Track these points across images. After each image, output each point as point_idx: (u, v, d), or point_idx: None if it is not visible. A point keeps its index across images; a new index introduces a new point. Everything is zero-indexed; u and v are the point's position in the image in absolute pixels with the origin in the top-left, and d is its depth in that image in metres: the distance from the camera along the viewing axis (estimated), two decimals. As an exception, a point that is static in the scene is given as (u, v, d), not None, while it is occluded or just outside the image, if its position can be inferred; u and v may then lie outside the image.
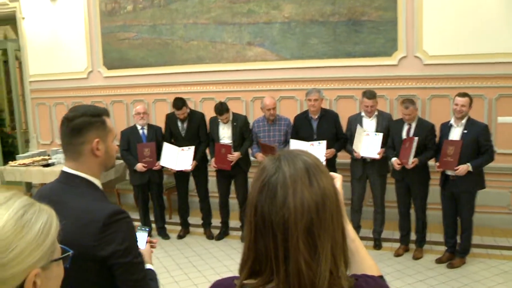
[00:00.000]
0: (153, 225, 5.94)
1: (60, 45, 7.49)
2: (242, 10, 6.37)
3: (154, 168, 5.63)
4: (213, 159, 5.58)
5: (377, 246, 5.28)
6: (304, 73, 6.22)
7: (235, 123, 5.55)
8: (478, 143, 4.54)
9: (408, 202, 5.05)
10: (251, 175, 5.82)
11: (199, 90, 6.84)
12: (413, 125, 4.87)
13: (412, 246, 5.11)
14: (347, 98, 6.11)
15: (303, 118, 5.39)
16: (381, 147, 4.99)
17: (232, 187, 5.81)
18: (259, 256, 0.98)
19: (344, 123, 5.42)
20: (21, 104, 8.49)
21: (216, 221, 5.95)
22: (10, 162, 7.13)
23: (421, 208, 4.97)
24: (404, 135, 4.89)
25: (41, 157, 7.22)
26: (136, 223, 2.08)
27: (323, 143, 5.13)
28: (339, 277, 0.97)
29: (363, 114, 5.20)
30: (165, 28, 6.87)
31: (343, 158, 5.43)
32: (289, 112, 6.03)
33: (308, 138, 5.23)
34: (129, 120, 7.19)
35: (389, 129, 5.07)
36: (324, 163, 5.03)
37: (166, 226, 6.05)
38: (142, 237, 1.94)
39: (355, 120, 5.24)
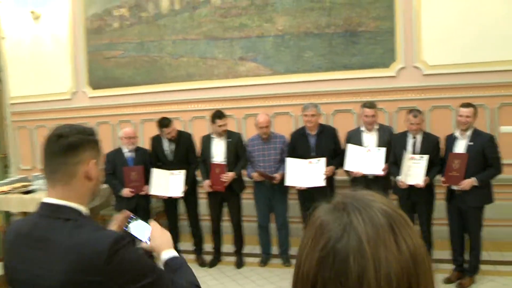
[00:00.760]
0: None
1: (43, 65, 7.20)
2: (233, 24, 6.17)
3: (141, 193, 5.28)
4: (206, 181, 5.24)
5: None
6: (299, 88, 6.00)
7: (229, 139, 5.26)
8: (485, 155, 4.31)
9: (412, 221, 4.76)
10: (245, 198, 5.51)
11: (189, 109, 6.57)
12: (419, 138, 4.62)
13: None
14: (344, 112, 5.89)
15: (300, 134, 5.12)
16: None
17: (225, 209, 5.48)
18: None
19: (342, 138, 5.16)
20: (1, 127, 8.10)
21: (208, 246, 5.59)
22: (-12, 189, 6.71)
23: (427, 227, 4.68)
24: (410, 149, 4.63)
25: (21, 184, 6.79)
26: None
27: (322, 160, 4.85)
28: None
29: (362, 128, 4.95)
30: (153, 45, 6.63)
31: (342, 175, 5.15)
32: (284, 129, 5.78)
33: (306, 155, 4.95)
34: (115, 142, 6.84)
35: (390, 143, 4.83)
36: (324, 182, 4.83)
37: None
38: (139, 228, 1.70)
39: (355, 135, 4.98)
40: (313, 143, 5.01)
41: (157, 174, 5.30)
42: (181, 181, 5.25)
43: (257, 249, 5.55)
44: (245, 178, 5.42)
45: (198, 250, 5.59)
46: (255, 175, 5.12)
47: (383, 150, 4.73)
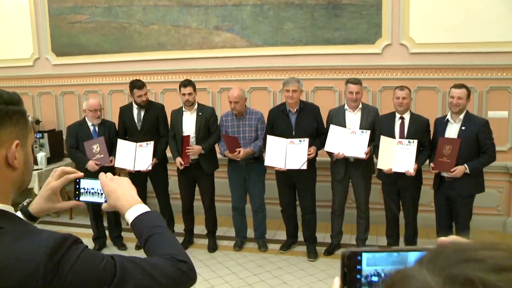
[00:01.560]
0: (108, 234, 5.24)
1: (2, 28, 6.62)
2: (209, -9, 5.71)
3: (108, 165, 4.87)
4: (178, 158, 4.88)
5: (362, 255, 4.74)
6: (278, 62, 5.64)
7: (200, 113, 4.89)
8: (478, 141, 4.04)
9: (397, 208, 4.52)
10: (218, 177, 5.19)
11: (160, 80, 6.15)
12: (406, 118, 4.33)
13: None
14: (325, 90, 5.57)
15: (279, 111, 4.76)
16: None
17: (198, 188, 5.16)
18: None
19: (323, 117, 4.83)
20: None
21: (179, 226, 5.29)
22: None
23: (412, 214, 4.45)
24: (397, 132, 4.34)
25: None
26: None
27: (306, 141, 4.51)
28: None
29: (346, 107, 4.63)
30: (122, 11, 6.13)
31: (323, 156, 4.85)
32: (261, 105, 5.45)
33: (286, 134, 4.61)
34: (81, 114, 6.41)
35: (374, 125, 4.52)
36: (306, 165, 4.52)
37: (124, 234, 5.34)
38: (91, 189, 1.38)
39: (337, 115, 4.67)
40: (294, 121, 4.68)
41: (123, 145, 4.94)
42: (149, 153, 4.89)
43: (231, 231, 5.30)
44: (219, 156, 5.10)
45: (168, 232, 5.28)
46: (228, 153, 4.79)
47: (367, 133, 4.42)
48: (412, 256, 0.70)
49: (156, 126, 5.06)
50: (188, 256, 1.16)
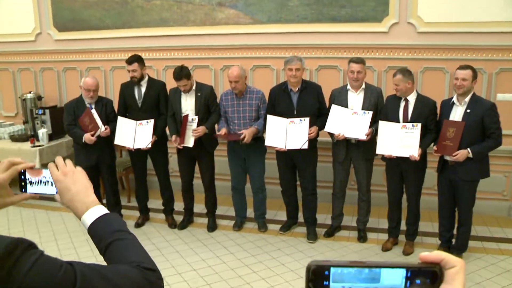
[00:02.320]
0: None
1: (3, 3, 6.52)
2: (212, -35, 5.55)
3: (103, 133, 4.77)
4: (173, 136, 4.80)
5: (362, 238, 4.68)
6: (281, 39, 5.50)
7: (199, 94, 4.78)
8: (483, 125, 3.89)
9: (400, 191, 4.42)
10: (218, 155, 5.11)
11: (162, 57, 6.05)
12: (411, 100, 4.17)
13: (402, 238, 4.52)
14: (330, 69, 5.43)
15: (281, 90, 4.63)
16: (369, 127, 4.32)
17: (197, 168, 5.09)
18: None
19: (326, 97, 4.70)
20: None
21: (179, 205, 5.25)
22: None
23: (415, 198, 4.33)
24: (401, 114, 4.21)
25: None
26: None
27: (306, 120, 4.41)
28: None
29: (349, 87, 4.50)
30: (124, -15, 6.00)
31: (325, 136, 4.75)
32: (264, 83, 5.34)
33: (287, 113, 4.50)
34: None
35: (377, 106, 4.40)
36: (306, 144, 4.43)
37: (124, 211, 5.33)
38: (40, 179, 1.22)
39: (340, 95, 4.54)
40: (295, 100, 4.56)
41: (123, 123, 4.87)
42: (149, 131, 4.81)
43: (232, 211, 5.25)
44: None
45: (167, 211, 5.25)
46: (223, 130, 4.69)
47: (369, 113, 4.30)
48: (386, 273, 0.61)
49: (156, 103, 4.97)
50: (155, 263, 1.04)
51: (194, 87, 4.78)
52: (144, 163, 5.16)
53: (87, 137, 4.74)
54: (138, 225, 5.15)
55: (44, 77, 6.69)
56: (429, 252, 0.62)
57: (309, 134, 4.38)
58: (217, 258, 4.37)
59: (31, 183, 1.23)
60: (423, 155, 4.17)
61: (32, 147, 5.76)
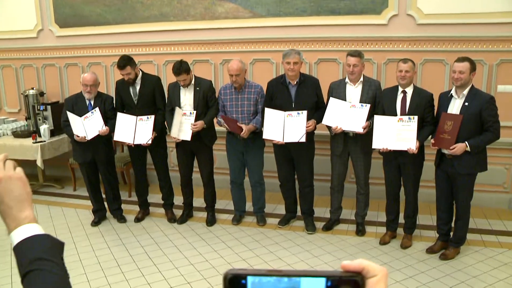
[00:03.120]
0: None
1: (5, 0, 6.58)
2: (211, -41, 5.54)
3: (102, 132, 4.75)
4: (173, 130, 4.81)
5: (360, 232, 4.66)
6: (281, 33, 5.48)
7: (197, 88, 4.77)
8: (481, 118, 3.83)
9: (398, 184, 4.40)
10: (217, 150, 5.11)
11: (162, 52, 6.05)
12: (409, 92, 4.14)
13: (400, 231, 4.50)
14: (329, 62, 5.40)
15: (279, 83, 4.62)
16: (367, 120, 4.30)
17: (195, 163, 5.09)
18: None
19: (325, 90, 4.68)
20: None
21: (179, 199, 5.26)
22: None
23: (413, 191, 4.30)
24: (398, 106, 4.18)
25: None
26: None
27: (304, 113, 4.39)
28: None
29: (347, 80, 4.47)
30: (124, -20, 6.00)
31: (322, 129, 4.73)
32: (263, 76, 5.32)
33: (285, 107, 4.49)
34: (84, 86, 6.37)
35: (375, 99, 4.37)
36: (304, 137, 4.41)
37: (124, 206, 5.33)
38: None
39: (338, 88, 4.52)
40: (293, 94, 4.54)
41: (123, 118, 4.88)
42: (149, 127, 4.82)
43: (231, 205, 5.24)
44: (217, 128, 5.01)
45: (167, 205, 5.26)
46: (222, 120, 4.71)
47: (367, 106, 4.27)
48: (305, 282, 0.59)
49: (152, 99, 4.95)
50: None
51: (193, 82, 4.77)
52: (143, 158, 5.18)
53: (77, 137, 4.80)
54: (138, 219, 5.17)
55: (46, 73, 6.73)
56: (350, 261, 0.61)
57: (307, 127, 4.37)
58: (214, 252, 4.37)
59: None
60: (421, 147, 4.14)
61: (34, 143, 5.80)
